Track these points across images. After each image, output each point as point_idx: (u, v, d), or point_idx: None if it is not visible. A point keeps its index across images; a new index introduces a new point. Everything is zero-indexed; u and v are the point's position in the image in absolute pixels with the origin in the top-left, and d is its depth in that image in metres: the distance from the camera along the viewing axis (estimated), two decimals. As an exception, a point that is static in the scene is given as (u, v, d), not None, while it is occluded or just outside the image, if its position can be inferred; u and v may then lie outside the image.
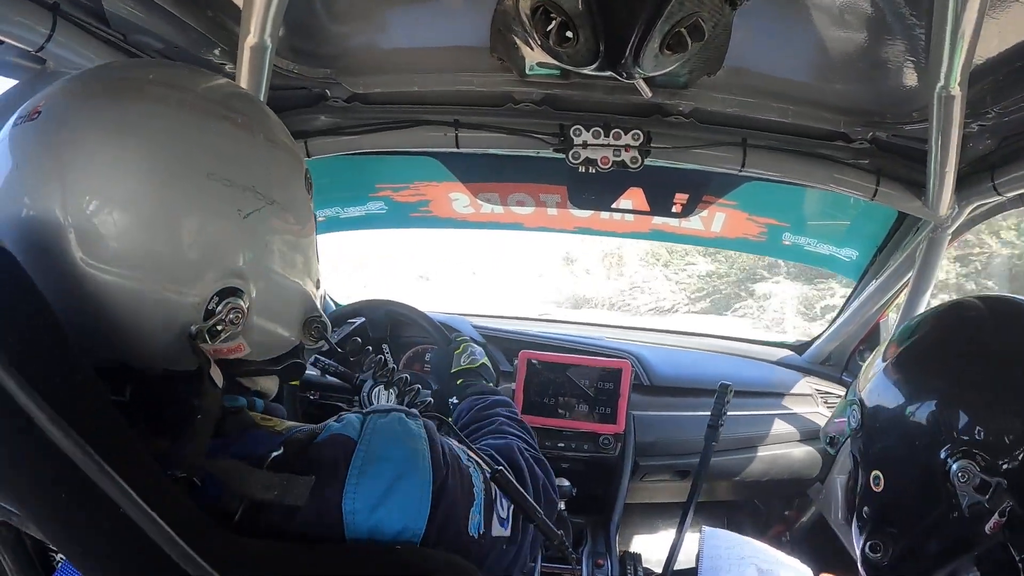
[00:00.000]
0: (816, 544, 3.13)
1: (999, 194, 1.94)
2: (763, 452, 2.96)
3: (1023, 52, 1.53)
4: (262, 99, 1.64)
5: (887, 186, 2.20)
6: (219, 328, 0.98)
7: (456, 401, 1.89)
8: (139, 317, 0.94)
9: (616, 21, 1.44)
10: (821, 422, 3.05)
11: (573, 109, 2.24)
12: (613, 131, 2.15)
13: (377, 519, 0.94)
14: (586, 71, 1.60)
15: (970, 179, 2.03)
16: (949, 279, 10.39)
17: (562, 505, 2.58)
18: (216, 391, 0.96)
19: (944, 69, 1.50)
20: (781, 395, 3.09)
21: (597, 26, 1.44)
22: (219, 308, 0.98)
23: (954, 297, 1.40)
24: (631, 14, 1.42)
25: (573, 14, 1.42)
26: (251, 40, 1.61)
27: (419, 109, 2.28)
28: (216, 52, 1.78)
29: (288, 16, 1.60)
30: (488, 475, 1.19)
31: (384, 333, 2.99)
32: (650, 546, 3.25)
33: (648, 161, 2.18)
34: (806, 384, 3.17)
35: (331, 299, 3.20)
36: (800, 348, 3.48)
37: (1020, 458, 1.08)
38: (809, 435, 3.04)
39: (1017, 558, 1.05)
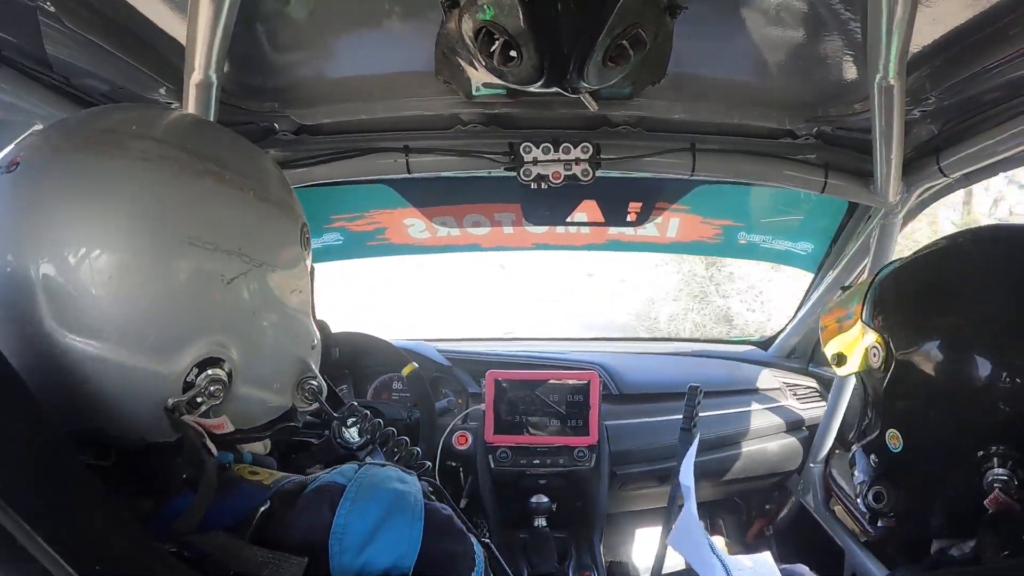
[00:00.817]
0: (799, 535, 3.17)
1: (945, 175, 1.98)
2: (739, 449, 2.99)
3: (958, 38, 1.57)
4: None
5: (836, 178, 2.23)
6: (199, 400, 0.94)
7: None
8: (114, 388, 0.89)
9: (558, 38, 1.46)
10: (792, 415, 3.09)
11: (521, 127, 2.25)
12: (562, 145, 2.15)
13: (365, 559, 0.90)
14: (532, 88, 1.60)
15: (916, 164, 2.07)
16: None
17: (543, 521, 2.58)
18: (212, 462, 0.92)
19: (882, 60, 1.54)
20: (750, 391, 3.13)
21: (540, 44, 1.45)
22: (199, 379, 0.94)
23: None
24: (573, 30, 1.43)
25: (516, 33, 1.42)
26: (196, 77, 1.60)
27: (368, 137, 2.27)
28: (162, 91, 1.76)
29: (232, 50, 1.59)
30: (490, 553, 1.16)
31: (348, 365, 2.97)
32: (637, 554, 3.25)
33: (599, 173, 2.19)
34: (773, 378, 3.22)
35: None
36: (764, 344, 3.52)
37: None
38: (783, 428, 3.09)
39: None
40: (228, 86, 1.85)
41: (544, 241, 3.22)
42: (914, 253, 1.27)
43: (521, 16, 1.39)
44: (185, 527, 0.85)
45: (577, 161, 2.16)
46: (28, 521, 0.69)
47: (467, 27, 1.47)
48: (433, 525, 0.97)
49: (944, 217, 11.09)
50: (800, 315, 3.22)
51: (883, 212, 2.27)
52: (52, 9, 1.43)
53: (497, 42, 1.45)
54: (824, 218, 2.82)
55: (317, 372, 1.16)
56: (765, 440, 3.05)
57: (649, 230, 3.06)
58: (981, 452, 1.05)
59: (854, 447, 1.31)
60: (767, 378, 3.22)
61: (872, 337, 1.22)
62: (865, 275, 2.55)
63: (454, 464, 2.77)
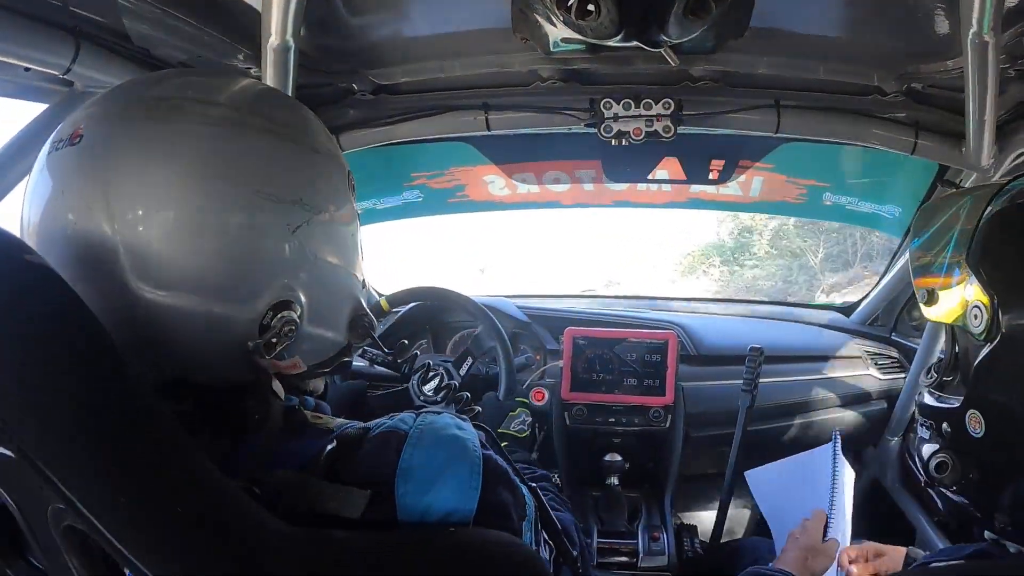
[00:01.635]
0: (871, 510, 3.10)
1: None
2: (813, 417, 2.93)
3: None
4: (289, 99, 1.65)
5: (926, 138, 2.15)
6: (274, 341, 0.99)
7: None
8: (194, 336, 0.95)
9: (637, -10, 1.43)
10: (872, 384, 3.01)
11: (601, 83, 2.23)
12: (643, 102, 2.13)
13: (428, 501, 0.93)
14: (611, 43, 1.59)
15: (1010, 127, 1.98)
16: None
17: (615, 480, 2.59)
18: (278, 403, 0.99)
19: (975, 14, 1.47)
20: (829, 359, 3.06)
21: (618, -4, 1.43)
22: (273, 322, 0.99)
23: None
24: (652, -19, 1.41)
25: (593, -14, 1.41)
26: (273, 41, 1.63)
27: (447, 95, 2.29)
28: (240, 57, 1.80)
29: (308, 14, 1.61)
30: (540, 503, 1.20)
31: (428, 320, 3.02)
32: (706, 517, 3.24)
33: (681, 129, 2.16)
34: (855, 346, 3.13)
35: (374, 290, 3.22)
36: (847, 310, 3.43)
37: None
38: (861, 398, 3.01)
39: None
40: (305, 49, 1.88)
41: (624, 198, 3.20)
42: None
43: (598, -32, 1.38)
44: (256, 465, 0.91)
45: (659, 117, 2.14)
46: (116, 465, 0.74)
47: (544, -19, 1.46)
48: (491, 473, 1.00)
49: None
50: (884, 281, 3.13)
51: (975, 176, 2.18)
52: None
53: (575, -4, 1.44)
54: (913, 181, 2.72)
55: (367, 308, 1.21)
56: (841, 410, 2.98)
57: (732, 189, 3.01)
58: None
59: (926, 391, 1.14)
60: (848, 345, 3.13)
61: (976, 291, 1.00)
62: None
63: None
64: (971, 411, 1.00)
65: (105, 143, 0.93)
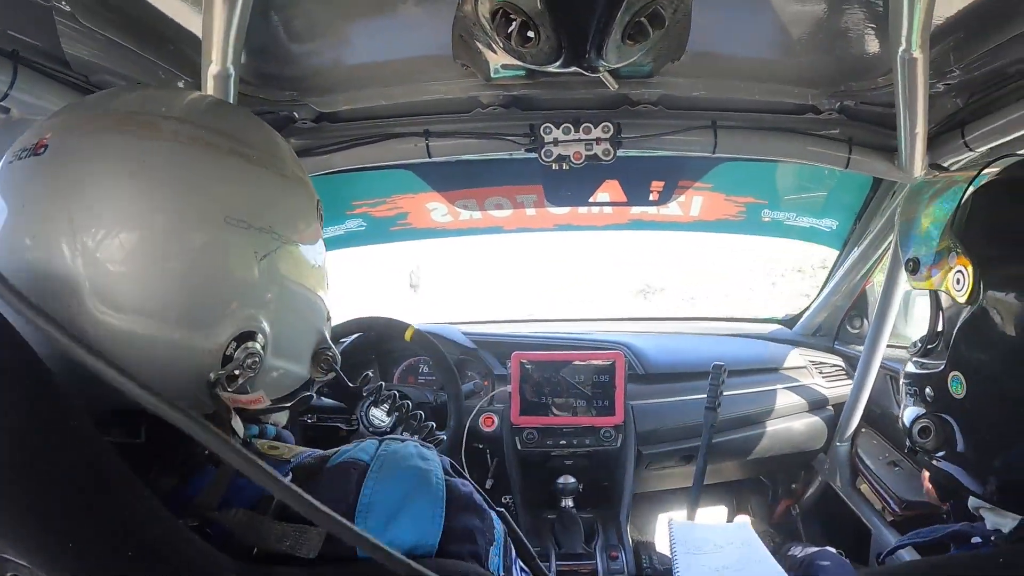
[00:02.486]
0: (826, 514, 3.17)
1: (971, 150, 1.95)
2: (765, 428, 2.98)
3: (982, 8, 1.54)
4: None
5: (859, 153, 2.20)
6: (236, 373, 0.96)
7: None
8: (152, 365, 0.90)
9: (576, 16, 1.44)
10: (818, 393, 3.08)
11: (541, 108, 2.24)
12: (583, 125, 2.14)
13: (390, 536, 0.89)
14: (550, 69, 1.60)
15: (941, 138, 2.04)
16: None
17: (570, 502, 2.59)
18: (236, 440, 0.94)
19: (904, 32, 1.51)
20: (776, 370, 3.12)
21: (558, 24, 1.44)
22: (237, 353, 0.96)
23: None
24: (590, 8, 1.42)
25: (533, 14, 1.41)
26: (214, 69, 1.60)
27: (388, 123, 2.27)
28: (180, 84, 1.77)
29: (249, 41, 1.59)
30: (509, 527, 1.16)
31: (374, 349, 2.99)
32: (663, 534, 3.26)
33: (621, 152, 2.18)
34: (799, 356, 3.20)
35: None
36: (790, 322, 3.51)
37: None
38: (808, 407, 3.08)
39: None
40: (246, 76, 1.86)
41: (566, 222, 3.22)
42: None
43: (537, -4, 1.39)
44: (207, 503, 0.87)
45: (598, 141, 2.15)
46: (49, 503, 0.70)
47: (483, 9, 1.47)
48: (455, 501, 0.97)
49: None
50: (825, 293, 3.20)
51: (908, 187, 2.23)
52: (67, 8, 1.44)
53: (514, 23, 1.44)
54: (848, 194, 2.80)
55: (331, 343, 1.19)
56: (791, 419, 3.04)
57: (672, 209, 3.05)
58: None
59: (910, 361, 1.18)
60: (792, 356, 3.20)
61: (959, 258, 1.05)
62: (891, 252, 2.53)
63: (480, 446, 2.79)
64: (953, 372, 1.04)
65: (71, 154, 0.89)
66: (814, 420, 3.08)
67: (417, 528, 0.91)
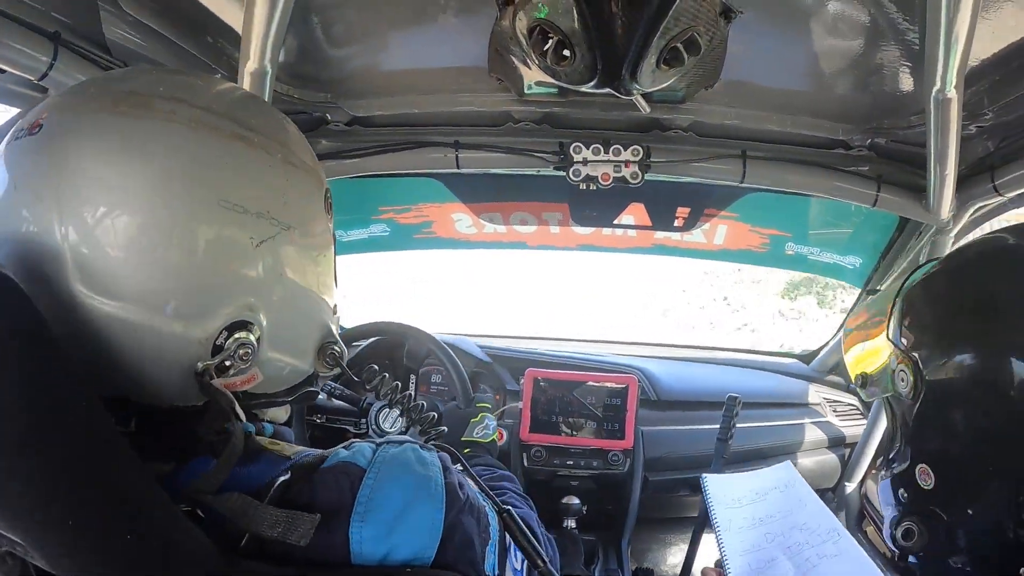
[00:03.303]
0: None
1: (1000, 195, 1.94)
2: (775, 463, 2.94)
3: (1018, 52, 1.54)
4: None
5: (888, 191, 2.20)
6: (227, 364, 0.94)
7: None
8: (141, 352, 0.89)
9: (612, 39, 1.45)
10: (831, 431, 3.05)
11: (572, 127, 2.25)
12: (613, 147, 2.15)
13: (386, 549, 0.89)
14: (584, 89, 1.61)
15: (970, 181, 2.03)
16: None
17: (572, 523, 2.57)
18: (239, 426, 0.92)
19: (939, 72, 1.51)
20: (790, 405, 3.09)
21: (594, 44, 1.45)
22: (228, 343, 0.93)
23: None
24: (627, 31, 1.43)
25: (570, 33, 1.43)
26: (251, 66, 1.61)
27: (420, 131, 2.29)
28: (216, 78, 1.79)
29: (287, 41, 1.61)
30: (502, 518, 1.16)
31: (389, 355, 2.99)
32: (663, 561, 3.23)
33: (648, 176, 2.18)
34: (814, 393, 3.17)
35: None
36: (807, 358, 3.47)
37: None
38: (820, 444, 3.04)
39: None
40: (282, 75, 1.89)
41: (590, 242, 3.21)
42: (946, 256, 1.13)
43: (575, 16, 1.40)
44: (206, 487, 0.85)
45: (627, 163, 2.16)
46: (60, 486, 0.71)
47: (521, 25, 1.48)
48: (453, 504, 0.97)
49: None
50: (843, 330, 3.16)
51: (935, 229, 2.23)
52: None
53: (551, 41, 1.46)
54: (874, 232, 2.78)
55: (338, 337, 1.16)
56: (803, 455, 3.00)
57: (696, 236, 3.03)
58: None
59: (881, 476, 1.20)
60: (808, 392, 3.17)
61: (901, 360, 1.10)
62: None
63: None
64: (919, 465, 1.06)
65: (64, 134, 0.88)
66: (826, 458, 3.04)
67: (415, 540, 0.91)
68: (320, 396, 2.46)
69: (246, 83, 1.64)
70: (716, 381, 3.14)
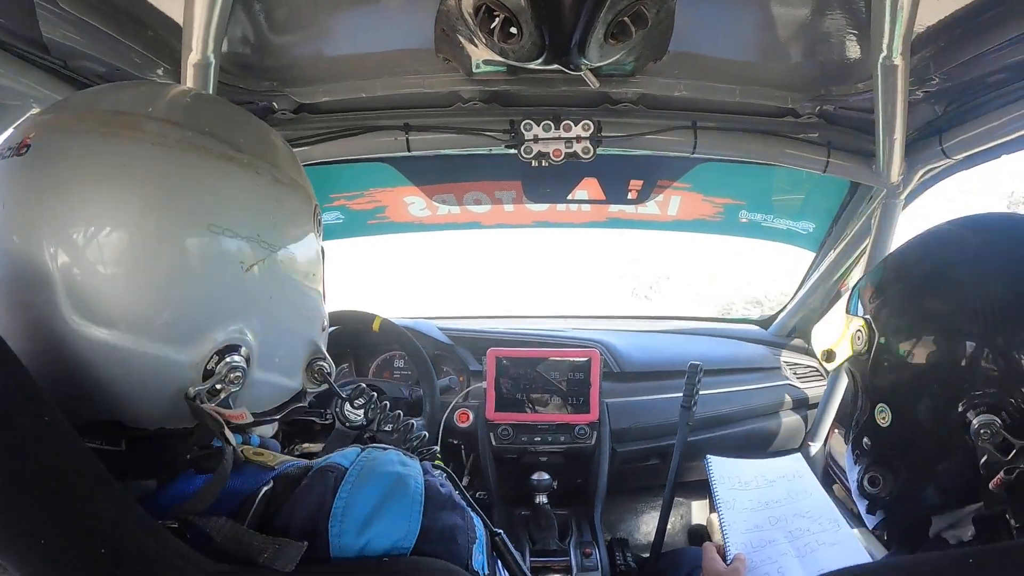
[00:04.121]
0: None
1: (948, 157, 1.98)
2: (740, 427, 2.99)
3: (963, 18, 1.56)
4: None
5: (838, 157, 2.23)
6: (218, 388, 0.93)
7: None
8: (129, 378, 0.88)
9: (559, 14, 1.44)
10: (793, 393, 3.10)
11: (522, 104, 2.24)
12: (563, 123, 2.14)
13: (364, 541, 0.88)
14: (532, 66, 1.60)
15: (919, 144, 2.07)
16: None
17: (544, 499, 2.59)
18: (229, 449, 0.91)
19: (886, 39, 1.53)
20: (751, 370, 3.14)
21: (541, 20, 1.44)
22: (218, 367, 0.92)
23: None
24: (574, 6, 1.42)
25: (516, 10, 1.41)
26: (194, 57, 1.59)
27: (368, 115, 2.27)
28: (159, 72, 1.75)
29: (230, 30, 1.58)
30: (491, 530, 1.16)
31: (350, 343, 2.98)
32: (636, 530, 3.27)
33: (600, 150, 2.18)
34: (774, 357, 3.23)
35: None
36: (765, 323, 3.53)
37: None
38: (783, 407, 3.10)
39: (1014, 524, 1.00)
40: (226, 66, 1.85)
41: (544, 219, 3.21)
42: (904, 243, 1.27)
43: (521, -8, 1.38)
44: (194, 508, 0.84)
45: (578, 139, 2.16)
46: (27, 505, 0.69)
47: (467, 4, 1.47)
48: (433, 501, 0.96)
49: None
50: (800, 295, 3.22)
51: (885, 192, 2.26)
52: None
53: (497, 19, 1.44)
54: (826, 197, 2.82)
55: (326, 354, 1.15)
56: (766, 419, 3.06)
57: (650, 208, 3.05)
58: (963, 405, 1.04)
59: (847, 438, 1.31)
60: (768, 357, 3.23)
61: (857, 323, 1.23)
62: (866, 256, 2.55)
63: (456, 442, 2.78)
64: (877, 407, 1.18)
65: (52, 156, 0.86)
66: (791, 420, 3.11)
67: (393, 530, 0.90)
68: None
69: (190, 75, 1.62)
70: (678, 350, 3.17)
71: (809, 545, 1.67)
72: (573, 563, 2.45)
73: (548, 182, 2.91)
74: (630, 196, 2.94)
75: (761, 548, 1.68)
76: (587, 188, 2.90)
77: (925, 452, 1.13)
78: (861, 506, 1.26)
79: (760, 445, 3.07)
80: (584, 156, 2.17)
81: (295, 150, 2.18)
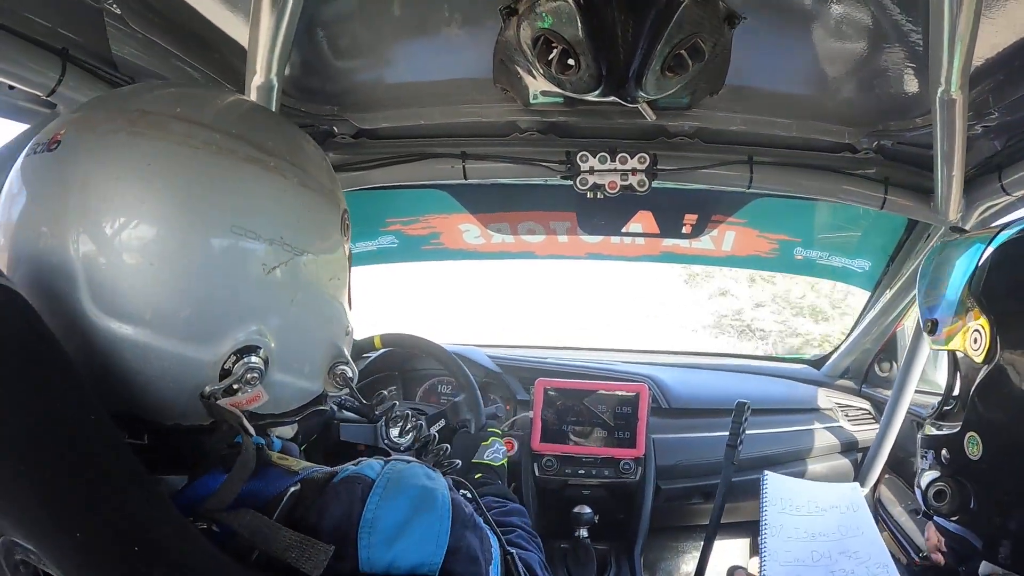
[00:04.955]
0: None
1: (1008, 194, 1.93)
2: (787, 469, 2.92)
3: (1022, 50, 1.54)
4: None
5: (895, 194, 2.19)
6: (235, 387, 0.94)
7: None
8: (149, 374, 0.89)
9: (616, 47, 1.46)
10: (843, 436, 3.03)
11: (579, 135, 2.25)
12: (619, 155, 2.15)
13: (393, 555, 0.89)
14: (589, 97, 1.61)
15: (978, 181, 2.02)
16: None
17: (584, 532, 2.56)
18: (249, 441, 0.92)
19: (944, 73, 1.51)
20: (801, 411, 3.07)
21: (598, 52, 1.46)
22: (236, 367, 0.94)
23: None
24: (631, 39, 1.44)
25: (574, 42, 1.43)
26: (258, 80, 1.62)
27: (426, 142, 2.30)
28: (232, 96, 1.80)
29: (293, 55, 1.62)
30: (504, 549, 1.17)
31: (398, 367, 2.99)
32: (676, 570, 3.21)
33: (655, 183, 2.18)
34: (826, 398, 3.15)
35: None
36: (818, 362, 3.45)
37: None
38: (832, 449, 3.03)
39: None
40: (288, 89, 1.90)
41: (598, 251, 3.21)
42: None
43: (579, 25, 1.40)
44: (218, 504, 0.85)
45: (634, 171, 2.16)
46: (65, 497, 0.71)
47: (525, 35, 1.48)
48: (459, 520, 0.97)
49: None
50: (855, 334, 3.15)
51: (943, 231, 2.21)
52: (118, 11, 1.48)
53: (555, 50, 1.46)
54: (882, 235, 2.78)
55: (349, 358, 1.16)
56: (815, 461, 2.99)
57: (704, 243, 3.03)
58: None
59: (927, 423, 1.20)
60: (819, 398, 3.15)
61: (976, 317, 1.07)
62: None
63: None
64: (969, 434, 1.05)
65: (80, 153, 0.88)
66: (839, 464, 3.03)
67: (421, 548, 0.91)
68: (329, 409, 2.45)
69: (253, 97, 1.65)
70: (727, 388, 3.13)
71: None
72: (610, 599, 2.43)
73: (603, 214, 2.91)
74: (684, 230, 2.93)
75: None
76: (641, 221, 2.89)
77: (1008, 506, 1.03)
78: (919, 509, 1.17)
79: (808, 488, 3.01)
80: (639, 189, 2.18)
81: (353, 174, 2.23)
